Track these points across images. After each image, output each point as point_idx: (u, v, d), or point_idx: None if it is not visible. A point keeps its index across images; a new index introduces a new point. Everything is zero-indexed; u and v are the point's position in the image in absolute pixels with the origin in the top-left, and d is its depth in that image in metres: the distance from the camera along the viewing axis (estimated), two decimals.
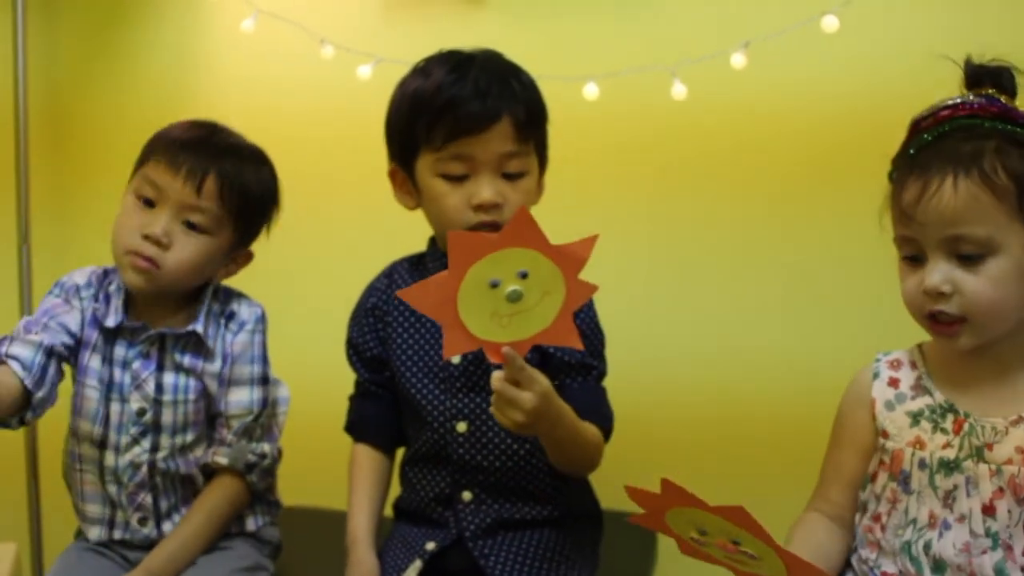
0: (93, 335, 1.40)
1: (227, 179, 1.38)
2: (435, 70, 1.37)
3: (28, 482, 2.09)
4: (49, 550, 2.08)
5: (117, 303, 1.40)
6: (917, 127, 1.18)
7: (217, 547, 1.41)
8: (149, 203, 1.37)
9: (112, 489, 1.41)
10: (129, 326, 1.40)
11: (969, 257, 1.10)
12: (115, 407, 1.40)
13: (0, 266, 2.09)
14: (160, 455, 1.40)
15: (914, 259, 1.15)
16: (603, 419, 1.38)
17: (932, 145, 1.14)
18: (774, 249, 1.86)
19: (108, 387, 1.40)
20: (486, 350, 1.15)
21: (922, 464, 1.17)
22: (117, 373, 1.40)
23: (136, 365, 1.40)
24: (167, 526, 1.41)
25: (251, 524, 1.47)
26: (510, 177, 1.36)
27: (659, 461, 1.83)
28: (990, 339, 1.14)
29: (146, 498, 1.40)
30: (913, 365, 1.23)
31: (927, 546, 1.14)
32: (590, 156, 1.88)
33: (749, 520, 0.95)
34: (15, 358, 1.29)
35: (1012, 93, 1.16)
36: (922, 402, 1.20)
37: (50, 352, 1.34)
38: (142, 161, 1.40)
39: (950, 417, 1.17)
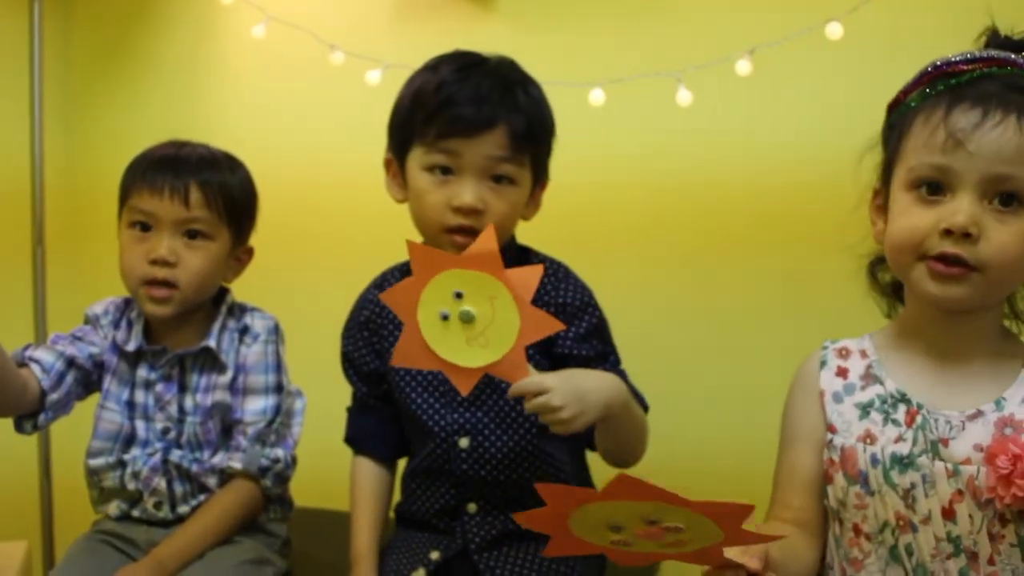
0: (113, 360, 1.46)
1: (208, 185, 1.43)
2: (443, 68, 1.34)
3: (41, 481, 2.13)
4: (61, 548, 2.10)
5: (138, 329, 1.46)
6: (941, 70, 1.07)
7: (225, 540, 1.43)
8: (145, 228, 1.42)
9: (131, 485, 1.45)
10: (149, 350, 1.45)
11: (1007, 201, 1.00)
12: (140, 424, 1.45)
13: (15, 280, 2.13)
14: (176, 454, 1.44)
15: (932, 191, 1.03)
16: (640, 399, 1.34)
17: (978, 82, 1.03)
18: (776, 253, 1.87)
19: (131, 408, 1.45)
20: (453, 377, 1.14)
21: (874, 460, 1.06)
22: (140, 394, 1.46)
23: (159, 388, 1.45)
24: (183, 508, 1.45)
25: (261, 517, 1.50)
26: (498, 180, 1.32)
27: None
28: (984, 303, 1.04)
29: (160, 482, 1.44)
30: (863, 354, 1.12)
31: (908, 549, 1.05)
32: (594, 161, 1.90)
33: (643, 489, 0.82)
34: (36, 361, 1.38)
35: None
36: (872, 392, 1.09)
37: (71, 362, 1.42)
38: (125, 196, 1.45)
39: (902, 408, 1.06)
